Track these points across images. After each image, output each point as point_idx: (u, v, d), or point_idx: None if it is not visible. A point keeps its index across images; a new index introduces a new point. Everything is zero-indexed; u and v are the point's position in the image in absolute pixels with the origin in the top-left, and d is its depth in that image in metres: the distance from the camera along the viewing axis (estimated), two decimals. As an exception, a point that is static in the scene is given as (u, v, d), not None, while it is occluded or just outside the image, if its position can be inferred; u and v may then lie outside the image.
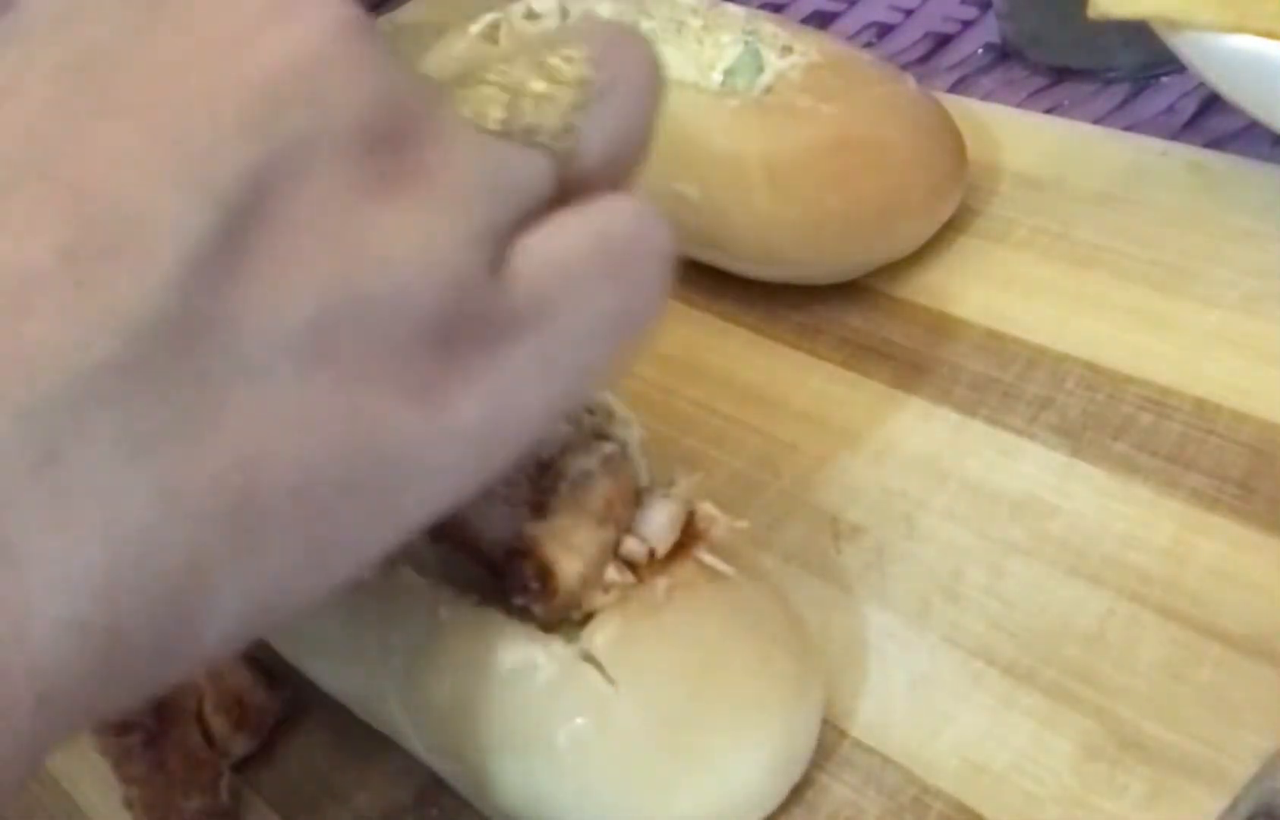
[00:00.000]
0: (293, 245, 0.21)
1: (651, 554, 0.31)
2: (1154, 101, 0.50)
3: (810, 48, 0.46)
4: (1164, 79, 0.50)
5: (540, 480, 0.31)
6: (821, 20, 0.61)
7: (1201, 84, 0.44)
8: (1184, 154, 0.46)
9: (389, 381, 0.22)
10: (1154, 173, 0.46)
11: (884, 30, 0.60)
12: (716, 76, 0.47)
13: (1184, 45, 0.41)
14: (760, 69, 0.46)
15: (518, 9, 0.54)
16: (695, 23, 0.49)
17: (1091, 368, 0.40)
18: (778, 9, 0.62)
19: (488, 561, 0.31)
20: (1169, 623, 0.33)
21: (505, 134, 0.25)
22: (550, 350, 0.25)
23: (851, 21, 0.61)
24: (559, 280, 0.25)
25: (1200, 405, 0.38)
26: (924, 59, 0.57)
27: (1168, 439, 0.37)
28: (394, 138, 0.23)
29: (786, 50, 0.46)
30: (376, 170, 0.22)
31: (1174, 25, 0.40)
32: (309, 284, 0.21)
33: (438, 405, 0.23)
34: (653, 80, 0.28)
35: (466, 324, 0.23)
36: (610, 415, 0.33)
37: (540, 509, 0.30)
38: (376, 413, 0.22)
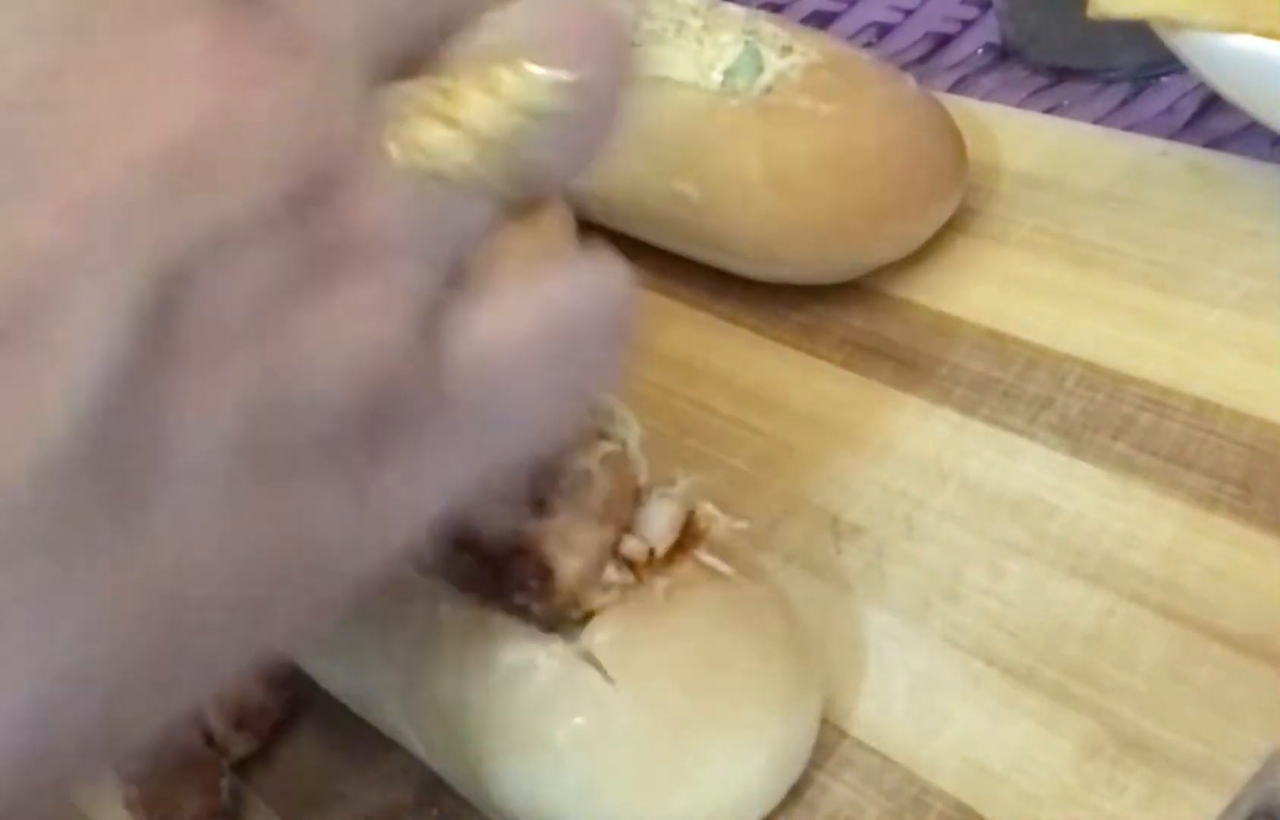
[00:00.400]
0: (217, 347, 0.19)
1: (651, 553, 0.31)
2: (1154, 101, 0.50)
3: (810, 48, 0.46)
4: (1164, 79, 0.50)
5: (540, 479, 0.31)
6: (821, 20, 0.61)
7: (1201, 84, 0.44)
8: (1184, 154, 0.46)
9: (316, 474, 0.21)
10: (1154, 173, 0.46)
11: (884, 30, 0.60)
12: (716, 76, 0.47)
13: (1184, 45, 0.41)
14: (760, 69, 0.46)
15: (518, 9, 0.54)
16: (695, 23, 0.49)
17: (1091, 368, 0.40)
18: (778, 9, 0.62)
19: (488, 560, 0.31)
20: (1169, 623, 0.33)
21: (440, 176, 0.21)
22: (483, 429, 0.23)
23: (851, 21, 0.61)
24: (498, 368, 0.23)
25: (1200, 405, 0.38)
26: (924, 59, 0.57)
27: (1168, 439, 0.37)
28: (317, 196, 0.20)
29: (786, 50, 0.46)
30: (302, 243, 0.20)
31: (1174, 25, 0.40)
32: (236, 389, 0.20)
33: (365, 490, 0.22)
34: (622, 78, 0.23)
35: (395, 407, 0.22)
36: (610, 415, 0.33)
37: (541, 507, 0.30)
38: (305, 506, 0.21)
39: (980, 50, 0.56)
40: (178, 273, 0.19)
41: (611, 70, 0.23)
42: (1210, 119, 0.48)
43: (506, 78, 0.21)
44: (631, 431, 0.33)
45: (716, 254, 0.47)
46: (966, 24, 0.58)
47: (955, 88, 0.54)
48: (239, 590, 0.21)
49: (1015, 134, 0.50)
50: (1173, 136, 0.48)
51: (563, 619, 0.30)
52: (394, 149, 0.21)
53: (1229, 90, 0.42)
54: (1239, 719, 0.31)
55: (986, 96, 0.53)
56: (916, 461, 0.39)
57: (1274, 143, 0.45)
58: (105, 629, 0.19)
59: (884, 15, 0.60)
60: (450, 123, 0.21)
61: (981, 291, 0.44)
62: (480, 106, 0.21)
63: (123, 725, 0.21)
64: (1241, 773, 0.29)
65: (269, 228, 0.20)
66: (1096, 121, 0.50)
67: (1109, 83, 0.51)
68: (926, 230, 0.45)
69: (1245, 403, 0.37)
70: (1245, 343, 0.39)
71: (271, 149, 0.20)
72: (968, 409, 0.40)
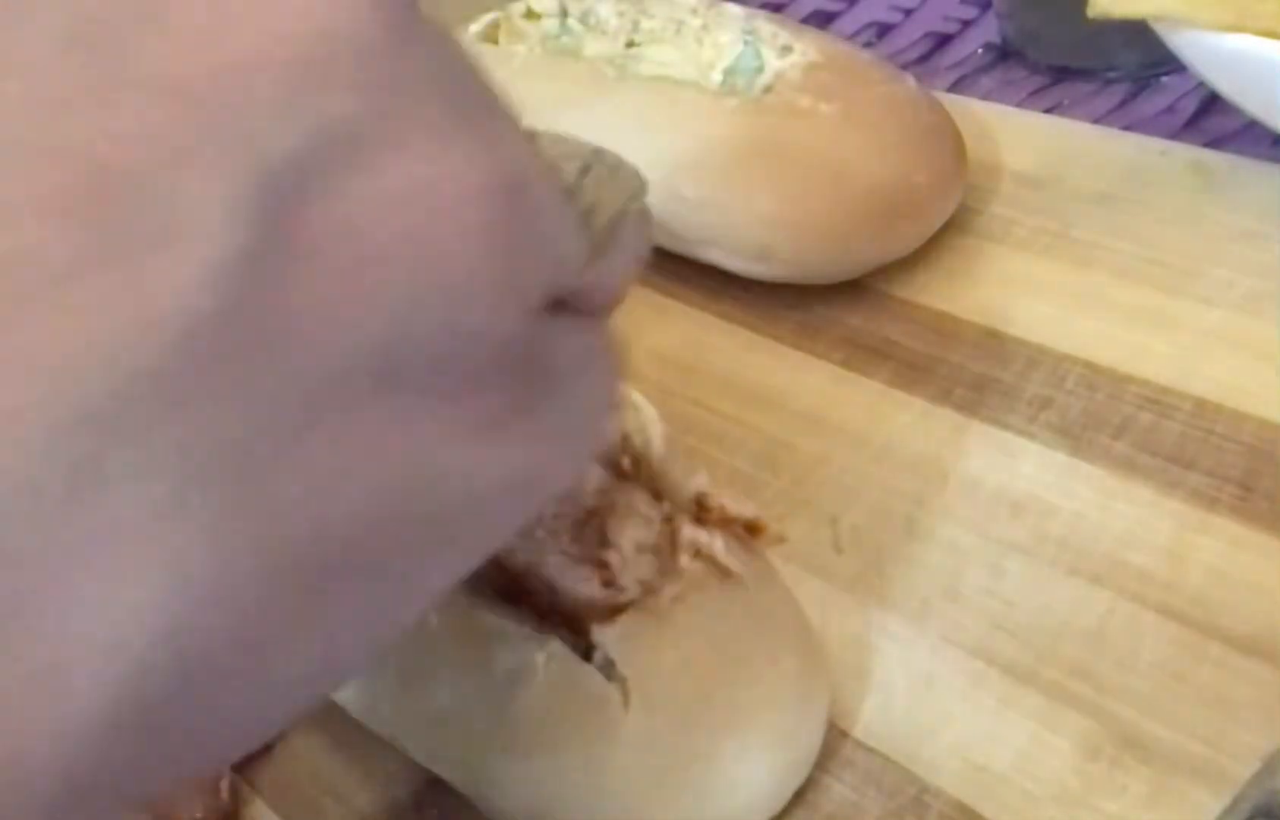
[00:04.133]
0: (356, 250, 0.18)
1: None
2: (1154, 101, 0.50)
3: (810, 47, 0.46)
4: (1164, 79, 0.50)
5: (585, 528, 0.31)
6: (821, 20, 0.61)
7: (1201, 84, 0.44)
8: (1184, 154, 0.46)
9: (456, 414, 0.20)
10: (1154, 173, 0.46)
11: (884, 30, 0.60)
12: (716, 76, 0.47)
13: (1184, 45, 0.41)
14: (760, 69, 0.46)
15: (517, 8, 0.54)
16: (695, 23, 0.49)
17: (1091, 368, 0.40)
18: (778, 9, 0.62)
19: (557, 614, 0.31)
20: (1169, 623, 0.33)
21: (571, 197, 0.24)
22: (578, 411, 0.24)
23: (851, 21, 0.61)
24: (585, 358, 0.24)
25: (1200, 405, 0.38)
26: (924, 59, 0.57)
27: (1168, 439, 0.37)
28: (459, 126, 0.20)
29: (786, 50, 0.46)
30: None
31: (1174, 25, 0.41)
32: (380, 298, 0.18)
33: (496, 444, 0.21)
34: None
35: (525, 367, 0.22)
36: (635, 411, 0.34)
37: (603, 567, 0.31)
38: (444, 446, 0.20)
39: (980, 50, 0.56)
40: (303, 170, 0.18)
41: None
42: (1210, 119, 0.48)
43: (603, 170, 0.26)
44: (655, 428, 0.34)
45: (716, 254, 0.47)
46: (966, 24, 0.58)
47: (955, 88, 0.54)
48: (377, 527, 0.19)
49: (1015, 134, 0.50)
50: (1173, 136, 0.48)
51: (566, 620, 0.30)
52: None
53: (1229, 90, 0.42)
54: (1239, 719, 0.31)
55: (986, 96, 0.53)
56: (916, 461, 0.39)
57: (1274, 143, 0.45)
58: (232, 549, 0.17)
59: (884, 15, 0.60)
60: (583, 161, 0.25)
61: (981, 291, 0.44)
62: (598, 167, 0.25)
63: (255, 684, 0.19)
64: (1241, 773, 0.29)
65: (398, 144, 0.19)
66: (1096, 121, 0.50)
67: (1109, 83, 0.51)
68: (926, 230, 0.45)
69: (1245, 403, 0.37)
70: (1245, 343, 0.39)
71: (401, 69, 0.19)
72: (968, 409, 0.40)
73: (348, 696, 0.35)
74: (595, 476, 0.32)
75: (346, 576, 0.19)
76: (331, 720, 0.36)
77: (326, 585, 0.19)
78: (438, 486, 0.20)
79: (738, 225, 0.45)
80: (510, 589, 0.32)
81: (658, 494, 0.32)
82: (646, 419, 0.34)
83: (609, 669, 0.30)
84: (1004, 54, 0.55)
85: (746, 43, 0.47)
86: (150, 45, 0.17)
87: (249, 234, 0.17)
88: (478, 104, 0.21)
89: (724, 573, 0.31)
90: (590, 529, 0.31)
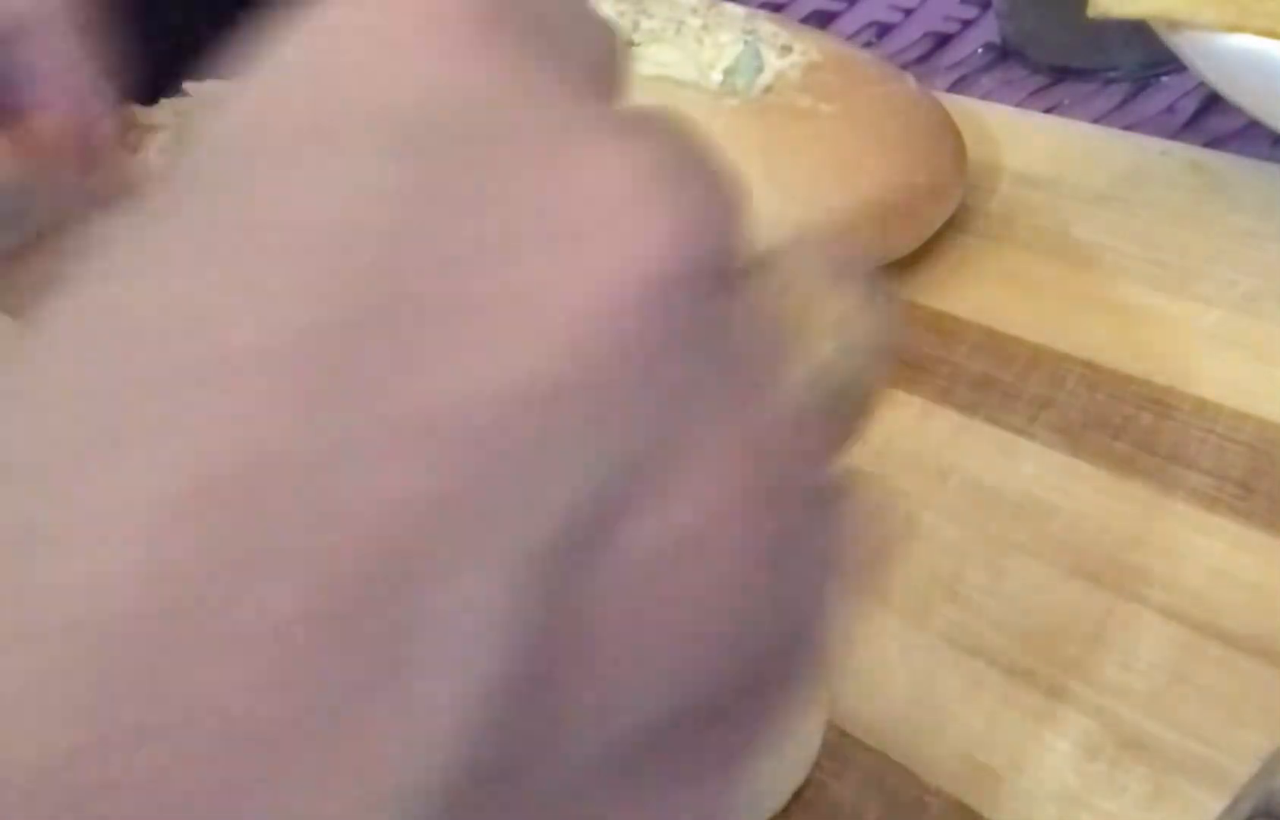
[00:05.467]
0: (633, 621, 0.14)
1: None
2: (1154, 101, 0.50)
3: (810, 47, 0.46)
4: (1164, 79, 0.50)
5: None
6: (821, 20, 0.61)
7: (1201, 84, 0.44)
8: (1184, 154, 0.46)
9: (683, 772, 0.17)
10: (1154, 173, 0.46)
11: (884, 30, 0.60)
12: (716, 76, 0.47)
13: (1184, 45, 0.41)
14: (760, 69, 0.46)
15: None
16: (695, 22, 0.49)
17: (1091, 368, 0.40)
18: (778, 9, 0.62)
19: None
20: (1169, 623, 0.33)
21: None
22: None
23: (851, 21, 0.61)
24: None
25: (1200, 405, 0.38)
26: (924, 59, 0.57)
27: (1168, 439, 0.37)
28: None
29: (786, 50, 0.46)
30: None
31: (1174, 25, 0.40)
32: (656, 673, 0.15)
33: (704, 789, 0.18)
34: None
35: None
36: None
37: None
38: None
39: (980, 50, 0.56)
40: (577, 538, 0.14)
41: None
42: (1210, 119, 0.48)
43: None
44: None
45: (716, 254, 0.47)
46: (966, 24, 0.58)
47: (955, 88, 0.54)
48: None
49: (1015, 134, 0.50)
50: (1173, 136, 0.48)
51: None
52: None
53: (1229, 90, 0.42)
54: (1239, 719, 0.31)
55: (986, 96, 0.53)
56: (916, 461, 0.39)
57: (1274, 143, 0.45)
58: None
59: (884, 15, 0.60)
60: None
61: (981, 291, 0.44)
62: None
63: None
64: (1241, 773, 0.29)
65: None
66: (1096, 121, 0.50)
67: (1109, 83, 0.51)
68: (926, 230, 0.45)
69: (1245, 403, 0.37)
70: (1245, 343, 0.39)
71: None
72: (968, 409, 0.40)
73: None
74: None
75: None
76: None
77: None
78: None
79: (738, 225, 0.45)
80: None
81: None
82: None
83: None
84: (1004, 54, 0.55)
85: (746, 43, 0.47)
86: (406, 344, 0.13)
87: (524, 634, 0.13)
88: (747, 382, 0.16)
89: None
90: None
